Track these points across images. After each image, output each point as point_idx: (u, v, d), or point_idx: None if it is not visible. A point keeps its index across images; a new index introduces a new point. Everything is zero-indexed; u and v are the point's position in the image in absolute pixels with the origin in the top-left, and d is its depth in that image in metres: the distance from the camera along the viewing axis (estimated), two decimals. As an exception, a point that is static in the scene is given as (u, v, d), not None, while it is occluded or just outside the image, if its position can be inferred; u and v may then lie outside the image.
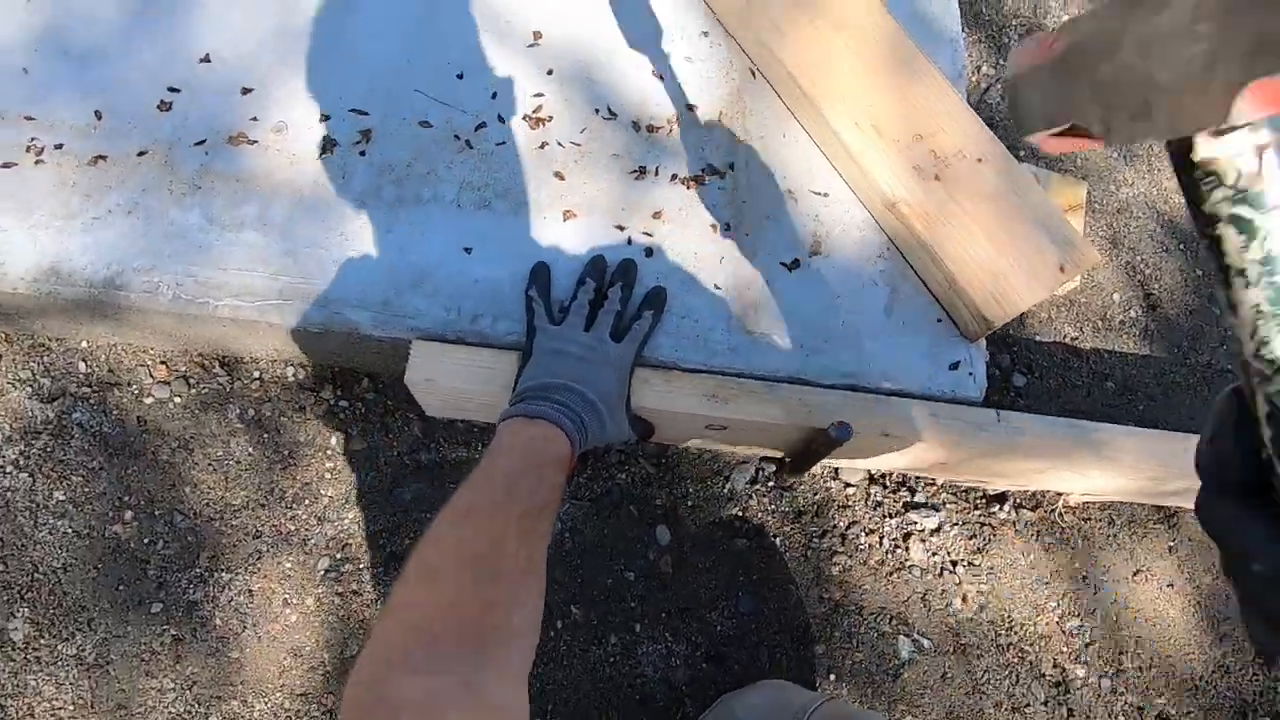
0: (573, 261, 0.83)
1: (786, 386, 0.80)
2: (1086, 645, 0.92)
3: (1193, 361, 1.10)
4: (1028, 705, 0.89)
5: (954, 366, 0.84)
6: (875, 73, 0.90)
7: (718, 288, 0.84)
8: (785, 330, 0.83)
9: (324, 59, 0.87)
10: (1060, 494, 0.98)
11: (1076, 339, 1.09)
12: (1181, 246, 1.17)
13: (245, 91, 0.84)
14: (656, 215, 0.86)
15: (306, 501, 0.86)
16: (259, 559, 0.83)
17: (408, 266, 0.80)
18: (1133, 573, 0.97)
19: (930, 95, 0.90)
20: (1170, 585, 0.97)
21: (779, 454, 0.93)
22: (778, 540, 0.92)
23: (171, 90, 0.83)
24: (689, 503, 0.93)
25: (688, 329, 0.82)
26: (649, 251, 0.84)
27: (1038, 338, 1.08)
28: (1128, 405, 1.06)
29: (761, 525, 0.93)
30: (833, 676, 0.87)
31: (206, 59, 0.85)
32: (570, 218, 0.85)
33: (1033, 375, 1.06)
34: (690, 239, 0.86)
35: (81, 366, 0.87)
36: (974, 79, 1.23)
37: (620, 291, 0.78)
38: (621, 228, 0.85)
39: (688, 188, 0.88)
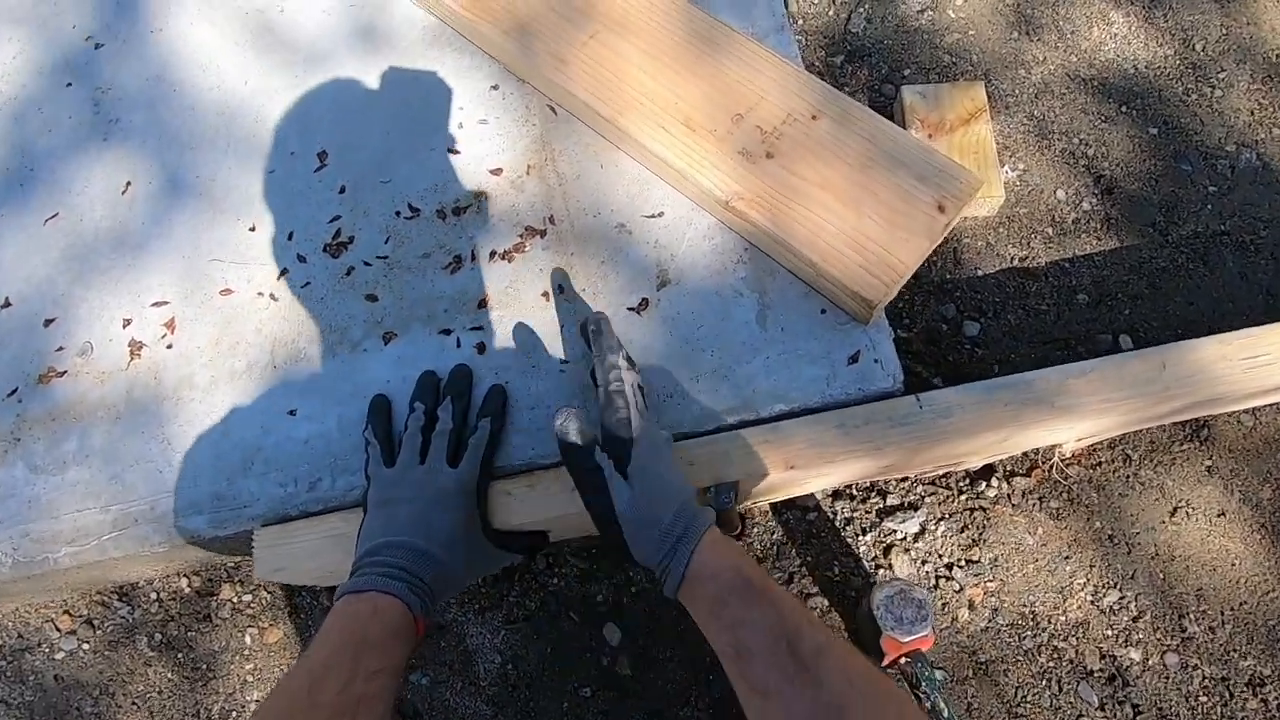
0: (410, 385, 0.75)
1: (664, 448, 0.70)
2: (1135, 620, 0.76)
3: (1174, 237, 0.92)
4: (1080, 715, 0.74)
5: (853, 360, 0.72)
6: (672, 66, 0.80)
7: (564, 362, 0.75)
8: (650, 384, 0.73)
9: (115, 261, 0.83)
10: (1054, 446, 0.83)
11: (1026, 258, 0.93)
12: (1124, 109, 0.99)
13: (48, 323, 0.81)
14: (481, 305, 0.78)
15: (234, 713, 0.81)
16: (199, 789, 0.79)
17: (234, 449, 0.74)
18: (1169, 513, 0.80)
19: (742, 67, 0.79)
20: (1221, 514, 0.79)
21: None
22: (739, 602, 0.81)
23: (-22, 348, 0.81)
24: (633, 589, 0.83)
25: (541, 419, 0.73)
26: (480, 347, 0.76)
27: (980, 272, 0.93)
28: (1110, 315, 0.90)
29: (717, 590, 0.82)
30: (837, 745, 0.75)
31: (6, 304, 0.83)
32: (391, 340, 0.77)
33: (986, 317, 0.91)
34: (523, 317, 0.77)
35: (-8, 640, 0.85)
36: (830, 12, 1.09)
37: (452, 406, 0.70)
38: (447, 331, 0.77)
39: (509, 261, 0.79)
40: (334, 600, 0.60)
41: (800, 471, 0.68)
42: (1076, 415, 0.68)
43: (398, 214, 0.83)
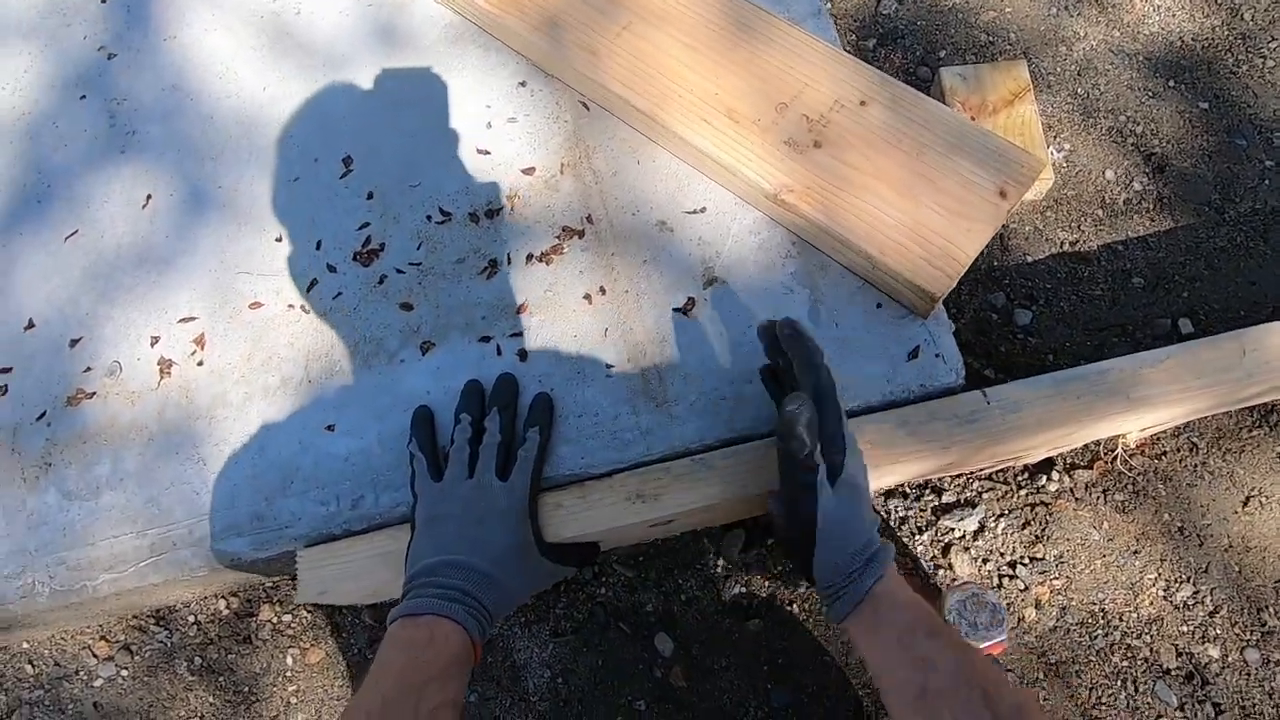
0: (450, 396, 0.72)
1: (718, 454, 0.67)
2: (1211, 615, 0.73)
3: (1231, 215, 0.89)
4: (1159, 716, 0.71)
5: (913, 355, 0.69)
6: (712, 55, 0.77)
7: (610, 366, 0.72)
8: (703, 387, 0.70)
9: (139, 278, 0.81)
10: (1116, 437, 0.80)
11: (1077, 242, 0.90)
12: (1172, 83, 0.96)
13: (74, 343, 0.79)
14: (520, 310, 0.75)
15: (279, 737, 0.79)
16: (248, 817, 0.77)
17: (271, 468, 0.72)
18: (1242, 502, 0.77)
19: (784, 53, 0.76)
20: (1296, 502, 0.76)
21: (757, 514, 0.79)
22: (794, 608, 0.78)
23: (3, 371, 0.79)
24: (683, 597, 0.80)
25: (589, 427, 0.70)
26: (522, 354, 0.73)
27: (1029, 258, 0.90)
28: (1168, 298, 0.86)
29: (772, 596, 0.79)
30: (907, 755, 0.72)
31: (30, 325, 0.80)
32: (429, 349, 0.75)
33: (1038, 305, 0.88)
34: (564, 322, 0.74)
35: (29, 669, 0.83)
36: (859, -6, 1.06)
37: (499, 417, 0.67)
38: (487, 338, 0.74)
39: (547, 263, 0.76)
40: (388, 623, 0.58)
41: (863, 474, 0.66)
42: (1153, 406, 0.65)
43: (429, 219, 0.80)
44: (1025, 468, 0.81)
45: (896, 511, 0.82)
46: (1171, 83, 0.96)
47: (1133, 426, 0.71)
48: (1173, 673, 0.72)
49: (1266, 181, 0.90)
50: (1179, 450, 0.80)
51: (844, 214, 0.69)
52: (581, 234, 0.77)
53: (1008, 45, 1.00)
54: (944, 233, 0.67)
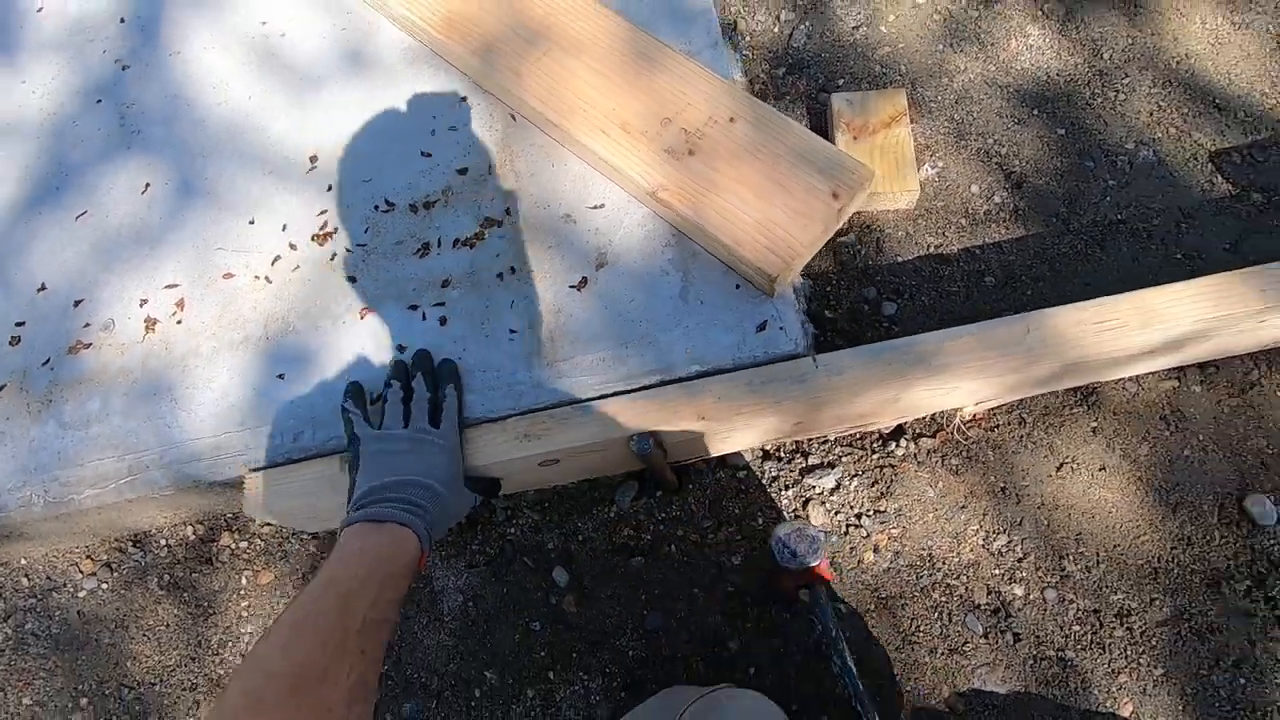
0: (378, 352, 0.87)
1: (596, 403, 0.81)
2: (1020, 561, 0.85)
3: (1075, 226, 1.02)
4: (966, 643, 0.83)
5: (761, 328, 0.83)
6: (615, 79, 0.92)
7: (513, 332, 0.86)
8: (587, 349, 0.84)
9: (135, 251, 0.96)
10: (955, 410, 0.93)
11: (941, 245, 1.03)
12: (1035, 112, 1.10)
13: (77, 303, 0.95)
14: (445, 284, 0.89)
15: (230, 644, 0.93)
16: (198, 709, 0.90)
17: (231, 409, 0.86)
18: (1056, 468, 0.89)
19: (673, 78, 0.91)
20: (1102, 469, 0.88)
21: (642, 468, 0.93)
22: (673, 548, 0.91)
23: (18, 325, 0.94)
24: (580, 537, 0.94)
25: (492, 380, 0.84)
26: (443, 320, 0.87)
27: (899, 259, 1.03)
28: (1014, 295, 0.99)
29: (655, 539, 0.92)
30: (753, 669, 0.84)
31: (43, 288, 0.96)
32: (366, 314, 0.89)
33: (903, 299, 1.01)
34: (480, 294, 0.88)
35: (25, 581, 0.98)
36: (775, 29, 1.21)
37: (424, 380, 0.81)
38: (414, 307, 0.89)
39: (470, 247, 0.91)
40: (347, 524, 0.66)
41: (712, 423, 0.79)
42: (952, 373, 0.78)
43: (376, 208, 0.95)
44: (880, 435, 0.94)
45: (769, 471, 0.95)
46: (1035, 111, 1.09)
47: (948, 395, 0.84)
48: (982, 607, 0.84)
49: (1108, 198, 1.03)
50: (1010, 424, 0.92)
51: (709, 211, 0.83)
52: (500, 224, 0.92)
53: (898, 76, 1.15)
54: (786, 227, 0.81)
